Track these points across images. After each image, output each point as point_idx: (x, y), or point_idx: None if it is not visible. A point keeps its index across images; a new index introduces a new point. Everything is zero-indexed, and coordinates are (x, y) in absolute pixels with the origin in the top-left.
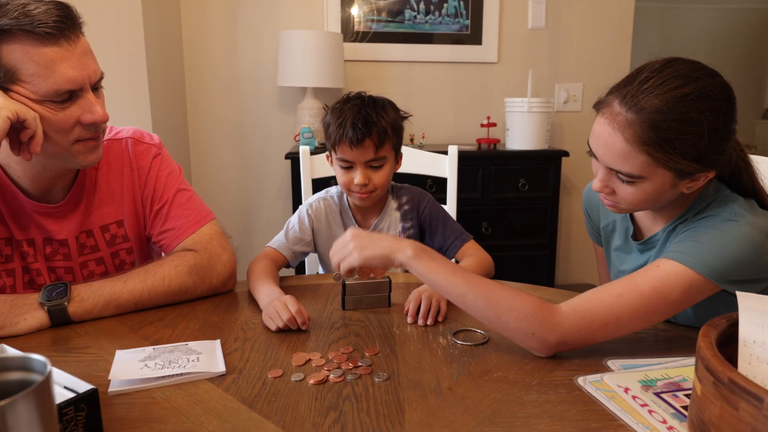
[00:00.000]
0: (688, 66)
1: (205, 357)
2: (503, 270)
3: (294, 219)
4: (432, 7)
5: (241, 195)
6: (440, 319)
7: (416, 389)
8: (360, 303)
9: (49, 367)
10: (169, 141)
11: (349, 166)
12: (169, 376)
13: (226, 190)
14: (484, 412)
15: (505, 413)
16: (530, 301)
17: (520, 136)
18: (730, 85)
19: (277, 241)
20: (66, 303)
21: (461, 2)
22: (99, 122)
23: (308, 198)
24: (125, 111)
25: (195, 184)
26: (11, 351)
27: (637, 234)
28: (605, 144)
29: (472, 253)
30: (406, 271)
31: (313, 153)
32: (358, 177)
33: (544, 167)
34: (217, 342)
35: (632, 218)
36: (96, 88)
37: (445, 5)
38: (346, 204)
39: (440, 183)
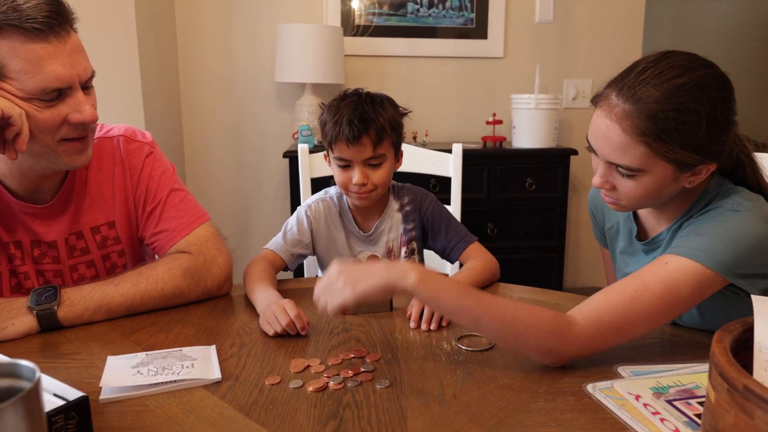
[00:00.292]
0: (684, 57)
1: (199, 363)
2: (509, 273)
3: (292, 220)
4: (435, 0)
5: (237, 195)
6: (444, 323)
7: (419, 397)
8: (361, 307)
9: (38, 373)
10: (162, 139)
11: (346, 165)
12: (162, 383)
13: (222, 190)
14: (490, 420)
15: (511, 422)
16: (547, 316)
17: (527, 133)
18: (728, 76)
19: (275, 243)
20: (56, 307)
21: None
22: (87, 122)
23: (307, 198)
24: (117, 108)
25: (189, 183)
26: None
27: (641, 234)
28: (603, 137)
29: (477, 255)
30: None
31: (312, 151)
32: (356, 176)
33: (552, 166)
34: (213, 348)
35: (636, 219)
36: (86, 86)
37: None
38: (346, 205)
39: (444, 182)
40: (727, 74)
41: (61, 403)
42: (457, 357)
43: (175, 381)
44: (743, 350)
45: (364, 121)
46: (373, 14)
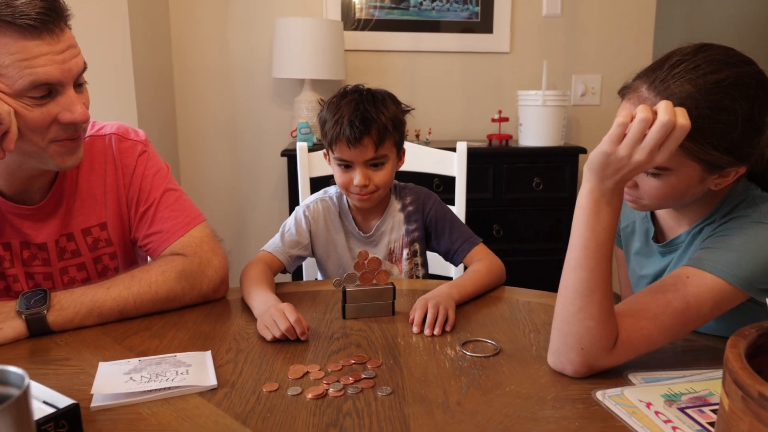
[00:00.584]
0: (723, 52)
1: (194, 369)
2: (515, 276)
3: (290, 221)
4: None
5: (233, 195)
6: (448, 328)
7: (422, 404)
8: (362, 311)
9: (27, 380)
10: (156, 137)
11: (347, 165)
12: (156, 390)
13: (218, 190)
14: (495, 429)
15: (517, 430)
16: (610, 324)
17: (534, 131)
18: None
19: (273, 244)
20: (45, 311)
21: None
22: (78, 122)
23: (306, 198)
24: (109, 105)
25: (184, 183)
26: None
27: (658, 235)
28: None
29: (482, 257)
30: (411, 277)
31: (311, 150)
32: (357, 177)
33: (559, 165)
34: (208, 353)
35: (654, 219)
36: (79, 84)
37: None
38: (346, 205)
39: (448, 182)
40: (765, 72)
41: (51, 410)
42: (462, 363)
43: (169, 388)
44: (758, 355)
45: (365, 121)
46: (375, 8)
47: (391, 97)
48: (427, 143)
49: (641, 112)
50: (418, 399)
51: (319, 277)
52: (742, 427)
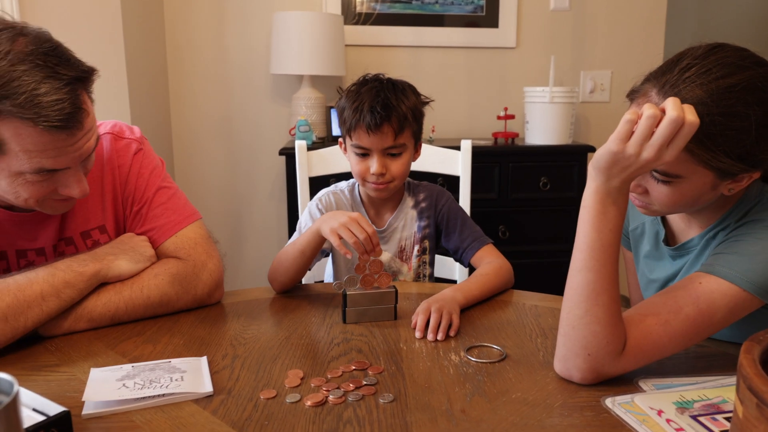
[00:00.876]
0: (735, 53)
1: (189, 376)
2: (522, 279)
3: (305, 217)
4: None
5: (229, 196)
6: (452, 333)
7: (425, 412)
8: (363, 315)
9: (17, 387)
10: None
11: (365, 154)
12: (149, 397)
13: (213, 190)
14: None
15: None
16: (618, 328)
17: (541, 129)
18: None
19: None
20: None
21: None
22: (76, 197)
23: (304, 198)
24: (100, 102)
25: (178, 183)
26: None
27: (669, 238)
28: None
29: (491, 259)
30: (418, 277)
31: (310, 148)
32: (374, 165)
33: (567, 164)
34: (203, 359)
35: (664, 221)
36: (86, 160)
37: None
38: (359, 198)
39: (452, 182)
40: None
41: (41, 418)
42: (466, 369)
43: (163, 395)
44: None
45: (386, 108)
46: (376, 1)
47: (411, 88)
48: (430, 141)
49: (648, 109)
50: (421, 406)
51: (327, 272)
52: None
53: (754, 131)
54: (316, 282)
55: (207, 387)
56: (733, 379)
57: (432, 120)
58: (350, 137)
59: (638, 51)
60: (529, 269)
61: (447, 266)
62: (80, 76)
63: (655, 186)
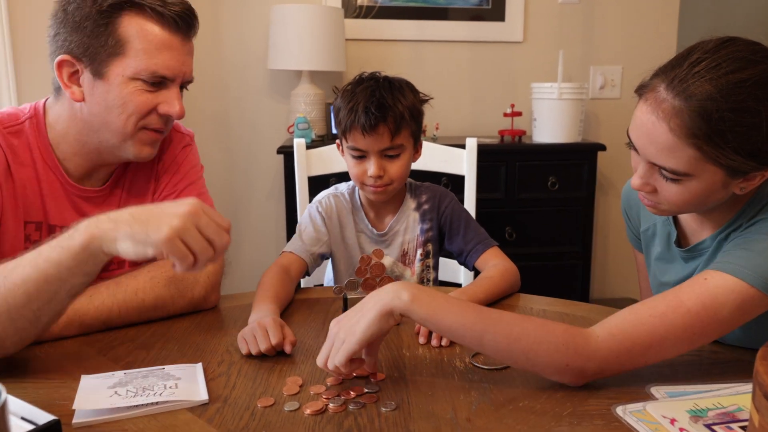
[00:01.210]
0: (747, 47)
1: (184, 383)
2: (529, 282)
3: (304, 219)
4: None
5: (225, 196)
6: None
7: (429, 420)
8: None
9: (4, 395)
10: None
11: (361, 156)
12: (142, 405)
13: (209, 191)
14: None
15: None
16: (559, 330)
17: (549, 127)
18: None
19: (293, 244)
20: None
21: None
22: (174, 116)
23: (303, 199)
24: None
25: None
26: None
27: (681, 239)
28: (648, 135)
29: (496, 262)
30: (422, 282)
31: (309, 147)
32: (371, 168)
33: (577, 163)
34: (199, 366)
35: (676, 222)
36: (183, 87)
37: None
38: (358, 201)
39: (457, 181)
40: None
41: (30, 427)
42: (472, 376)
43: (156, 403)
44: None
45: (381, 108)
46: None
47: (408, 86)
48: (434, 140)
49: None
50: (424, 415)
51: (327, 277)
52: None
53: (765, 128)
54: (315, 286)
55: (202, 395)
56: (748, 387)
57: (436, 117)
58: (346, 139)
59: (650, 45)
60: (536, 272)
61: (452, 269)
62: None
63: (665, 184)
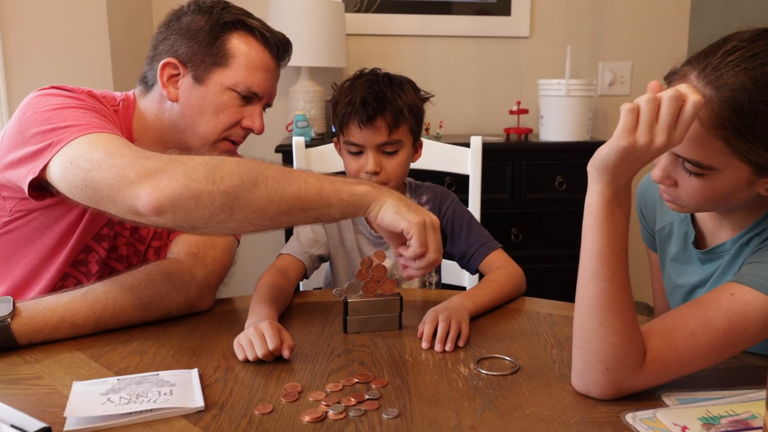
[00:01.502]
0: None
1: (179, 390)
2: (536, 286)
3: None
4: None
5: None
6: (461, 343)
7: (432, 428)
8: (365, 325)
9: None
10: None
11: (358, 152)
12: (136, 412)
13: None
14: None
15: None
16: (636, 338)
17: (557, 125)
18: None
19: (290, 245)
20: (9, 320)
21: None
22: (254, 131)
23: None
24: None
25: None
26: None
27: (698, 240)
28: None
29: (501, 264)
30: (424, 286)
31: (308, 145)
32: (369, 163)
33: (585, 162)
34: (194, 372)
35: (694, 221)
36: (266, 107)
37: None
38: None
39: (461, 181)
40: None
41: None
42: (477, 382)
43: (151, 410)
44: None
45: (379, 100)
46: None
47: (410, 83)
48: (437, 138)
49: (646, 96)
50: (427, 422)
51: (327, 280)
52: None
53: None
54: (315, 289)
55: (198, 402)
56: (762, 393)
57: (440, 115)
58: (343, 133)
59: (661, 40)
60: (544, 275)
61: (455, 272)
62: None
63: (687, 179)
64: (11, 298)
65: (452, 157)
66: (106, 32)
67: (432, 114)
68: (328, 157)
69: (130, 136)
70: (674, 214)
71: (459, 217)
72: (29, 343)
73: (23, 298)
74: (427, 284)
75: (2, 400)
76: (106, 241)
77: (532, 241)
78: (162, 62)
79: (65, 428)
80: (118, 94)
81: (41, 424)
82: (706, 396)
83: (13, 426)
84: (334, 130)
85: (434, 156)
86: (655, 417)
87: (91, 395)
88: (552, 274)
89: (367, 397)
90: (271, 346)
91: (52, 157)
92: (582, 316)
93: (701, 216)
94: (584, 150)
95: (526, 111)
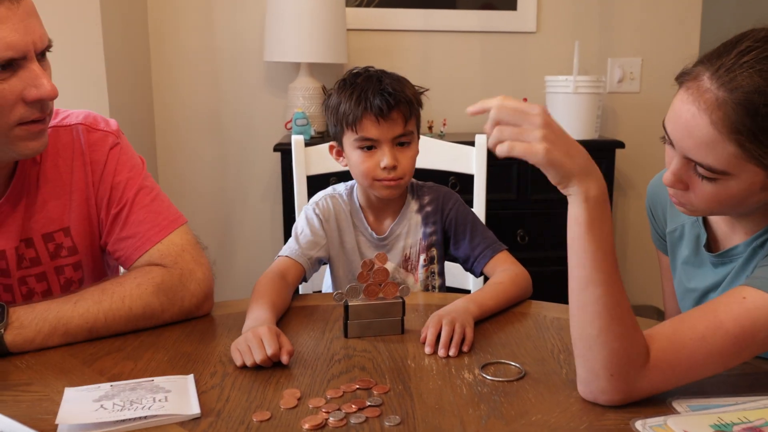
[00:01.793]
0: None
1: (175, 396)
2: (543, 288)
3: (301, 222)
4: None
5: (218, 197)
6: (465, 348)
7: None
8: (367, 329)
9: None
10: (129, 130)
11: (371, 147)
12: (130, 419)
13: (200, 191)
14: None
15: None
16: (637, 342)
17: (565, 122)
18: None
19: (289, 248)
20: (2, 330)
21: None
22: (46, 98)
23: (302, 199)
24: (75, 93)
25: (161, 184)
26: None
27: (711, 243)
28: (686, 127)
29: (506, 267)
30: (426, 289)
31: (308, 144)
32: (386, 158)
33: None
34: (190, 378)
35: (706, 224)
36: (41, 54)
37: None
38: (357, 203)
39: (465, 181)
40: None
41: None
42: (481, 388)
43: (145, 417)
44: None
45: (392, 94)
46: None
47: (405, 78)
48: (441, 136)
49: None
50: (430, 430)
51: (326, 283)
52: None
53: None
54: (314, 292)
55: (194, 408)
56: None
57: (443, 113)
58: (354, 131)
59: (672, 36)
60: (550, 277)
61: (459, 275)
62: None
63: (699, 183)
64: (4, 305)
65: (456, 156)
66: (99, 35)
67: (435, 112)
68: (329, 156)
69: None
70: (686, 216)
71: (462, 218)
72: (22, 351)
73: None
74: (430, 288)
75: None
76: None
77: (539, 243)
78: None
79: None
80: None
81: None
82: (719, 402)
83: None
84: (332, 132)
85: (437, 155)
86: (665, 424)
87: (84, 402)
88: (559, 277)
89: (368, 403)
90: (269, 351)
91: None
92: (580, 324)
93: (714, 218)
94: (593, 149)
95: None
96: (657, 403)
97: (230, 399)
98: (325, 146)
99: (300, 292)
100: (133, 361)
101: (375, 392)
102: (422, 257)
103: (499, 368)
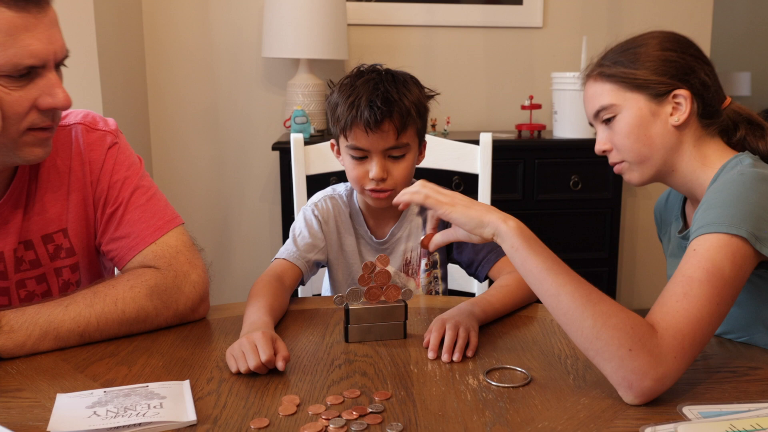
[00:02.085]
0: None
1: (170, 402)
2: None
3: (299, 224)
4: None
5: (216, 197)
6: (470, 353)
7: None
8: (368, 333)
9: None
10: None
11: (362, 156)
12: (124, 426)
13: (197, 191)
14: None
15: None
16: (631, 313)
17: (572, 120)
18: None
19: (286, 250)
20: None
21: None
22: (60, 108)
23: (301, 199)
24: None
25: (157, 183)
26: None
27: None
28: (586, 101)
29: (511, 270)
30: (429, 293)
31: (307, 142)
32: (374, 169)
33: (601, 161)
34: (186, 383)
35: (683, 215)
36: (58, 66)
37: None
38: (357, 206)
39: (470, 180)
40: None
41: None
42: (486, 394)
43: (140, 424)
44: None
45: (386, 102)
46: None
47: (413, 80)
48: (445, 135)
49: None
50: None
51: (326, 286)
52: None
53: (652, 51)
54: (314, 295)
55: (190, 415)
56: None
57: (447, 111)
58: (345, 137)
59: (682, 30)
60: None
61: (463, 278)
62: None
63: (613, 133)
64: None
65: (460, 155)
66: (92, 30)
67: (439, 110)
68: (328, 155)
69: None
70: (671, 217)
71: None
72: (12, 356)
73: None
74: (433, 292)
75: None
76: None
77: (546, 244)
78: None
79: None
80: None
81: None
82: (731, 409)
83: None
84: (332, 130)
85: (441, 154)
86: (676, 431)
87: (77, 408)
88: None
89: (369, 410)
90: (263, 357)
91: None
92: (574, 327)
93: (688, 208)
94: None
95: (539, 106)
96: (667, 409)
97: (227, 405)
98: (325, 145)
99: (299, 295)
100: (127, 367)
101: (376, 398)
102: (424, 261)
103: (504, 374)
